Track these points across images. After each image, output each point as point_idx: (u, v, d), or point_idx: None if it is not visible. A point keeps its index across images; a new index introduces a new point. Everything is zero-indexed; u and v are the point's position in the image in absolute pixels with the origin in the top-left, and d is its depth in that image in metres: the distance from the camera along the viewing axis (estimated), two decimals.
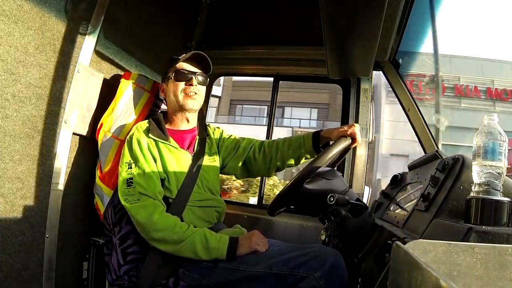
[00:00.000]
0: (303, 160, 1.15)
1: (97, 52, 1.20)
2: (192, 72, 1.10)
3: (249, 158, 1.19)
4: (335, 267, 0.84)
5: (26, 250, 0.99)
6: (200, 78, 1.11)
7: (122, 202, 0.97)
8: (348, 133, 1.03)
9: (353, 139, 1.03)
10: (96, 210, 1.16)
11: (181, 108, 1.10)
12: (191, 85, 1.08)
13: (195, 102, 1.10)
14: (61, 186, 1.10)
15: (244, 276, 0.88)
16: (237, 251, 0.91)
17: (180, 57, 1.10)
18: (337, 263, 0.84)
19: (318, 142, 1.11)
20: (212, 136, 1.21)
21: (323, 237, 1.02)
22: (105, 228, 1.12)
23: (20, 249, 0.97)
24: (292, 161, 1.15)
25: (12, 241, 0.95)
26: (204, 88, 1.14)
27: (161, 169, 1.03)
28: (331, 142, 1.09)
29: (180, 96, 1.08)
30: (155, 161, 1.03)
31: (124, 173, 0.99)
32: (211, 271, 0.92)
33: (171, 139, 1.08)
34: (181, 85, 1.08)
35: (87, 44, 1.13)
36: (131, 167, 0.99)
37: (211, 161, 1.16)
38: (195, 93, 1.09)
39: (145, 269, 0.97)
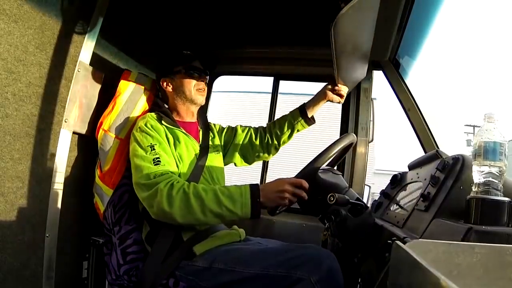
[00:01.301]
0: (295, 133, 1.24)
1: (97, 51, 1.19)
2: (203, 70, 1.17)
3: (247, 144, 1.25)
4: (331, 271, 0.82)
5: (26, 250, 0.99)
6: (207, 77, 1.19)
7: (149, 181, 0.92)
8: (336, 89, 1.14)
9: (340, 96, 1.16)
10: (96, 210, 1.16)
11: (192, 102, 1.16)
12: (203, 81, 1.16)
13: (204, 98, 1.18)
14: (61, 186, 1.10)
15: (240, 277, 0.87)
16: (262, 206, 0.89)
17: (192, 54, 1.18)
18: (333, 266, 0.83)
19: (306, 113, 1.20)
20: (214, 129, 1.26)
21: (323, 237, 1.01)
22: (105, 227, 1.12)
23: (20, 249, 0.97)
24: (286, 137, 1.23)
25: (12, 240, 0.95)
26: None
27: (176, 155, 1.04)
28: (317, 107, 1.20)
29: (193, 91, 1.14)
30: (172, 146, 1.04)
31: (149, 155, 0.96)
32: (207, 273, 0.91)
33: (181, 128, 1.10)
34: (193, 81, 1.14)
35: (87, 43, 1.13)
36: (154, 149, 0.98)
37: (216, 153, 1.19)
38: (204, 89, 1.17)
39: (145, 269, 0.96)
